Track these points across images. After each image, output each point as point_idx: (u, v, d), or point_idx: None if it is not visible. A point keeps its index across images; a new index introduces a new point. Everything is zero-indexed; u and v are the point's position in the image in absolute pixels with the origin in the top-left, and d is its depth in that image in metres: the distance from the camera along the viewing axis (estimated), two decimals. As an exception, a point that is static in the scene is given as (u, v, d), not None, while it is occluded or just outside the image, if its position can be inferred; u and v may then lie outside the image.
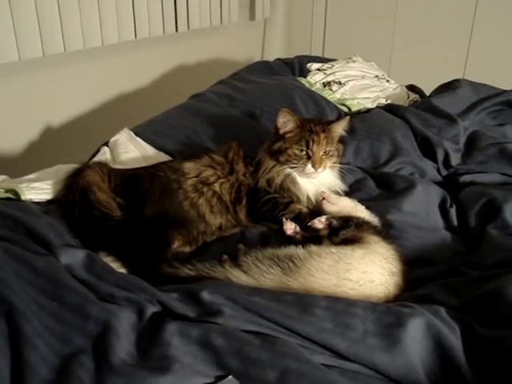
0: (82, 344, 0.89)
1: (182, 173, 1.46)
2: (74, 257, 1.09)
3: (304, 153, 1.47)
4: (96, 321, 0.92)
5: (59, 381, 0.83)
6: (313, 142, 1.46)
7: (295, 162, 1.48)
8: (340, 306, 0.98)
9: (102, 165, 1.50)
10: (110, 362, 0.85)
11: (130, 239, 1.26)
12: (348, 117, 1.57)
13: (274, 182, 1.50)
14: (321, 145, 1.47)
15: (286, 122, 1.49)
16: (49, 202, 1.40)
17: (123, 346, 0.89)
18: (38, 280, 0.99)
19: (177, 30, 2.72)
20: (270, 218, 1.47)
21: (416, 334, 0.93)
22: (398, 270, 1.18)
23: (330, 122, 1.54)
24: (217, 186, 1.47)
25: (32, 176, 1.51)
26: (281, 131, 1.50)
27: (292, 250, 1.16)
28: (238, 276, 1.11)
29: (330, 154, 1.50)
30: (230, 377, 0.85)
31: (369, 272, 1.13)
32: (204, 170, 1.49)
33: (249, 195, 1.50)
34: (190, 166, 1.48)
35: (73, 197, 1.34)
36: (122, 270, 1.18)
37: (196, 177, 1.46)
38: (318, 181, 1.53)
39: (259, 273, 1.11)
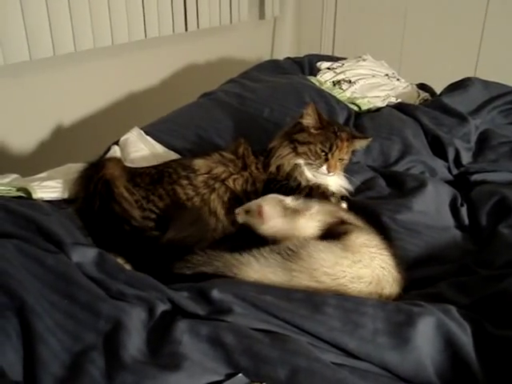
0: (93, 341, 0.90)
1: (192, 169, 1.47)
2: (85, 255, 1.10)
3: (324, 154, 1.48)
4: (107, 318, 0.93)
5: (70, 377, 0.83)
6: (336, 146, 1.48)
7: (313, 158, 1.49)
8: (349, 305, 0.98)
9: (119, 160, 1.51)
10: (120, 359, 0.85)
11: (142, 250, 1.25)
12: (371, 138, 1.62)
13: (283, 168, 1.51)
14: (341, 152, 1.50)
15: (307, 116, 1.51)
16: (62, 200, 1.40)
17: (134, 343, 0.89)
18: (49, 277, 0.99)
19: (186, 30, 2.72)
20: None
21: (426, 333, 0.93)
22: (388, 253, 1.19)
23: (355, 136, 1.57)
24: (230, 182, 1.48)
25: (43, 175, 1.52)
26: (304, 123, 1.52)
27: (286, 243, 1.18)
28: (249, 259, 1.13)
29: (344, 162, 1.54)
30: (240, 375, 0.86)
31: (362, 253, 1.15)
32: (215, 166, 1.49)
33: (265, 189, 1.50)
34: (200, 163, 1.49)
35: (94, 187, 1.34)
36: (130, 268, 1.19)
37: (207, 173, 1.47)
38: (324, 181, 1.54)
39: (264, 259, 1.13)
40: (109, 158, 1.54)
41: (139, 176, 1.44)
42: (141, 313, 0.96)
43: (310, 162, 1.50)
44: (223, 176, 1.48)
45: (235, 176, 1.50)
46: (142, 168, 1.51)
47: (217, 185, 1.46)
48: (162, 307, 0.99)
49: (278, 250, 1.14)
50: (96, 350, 0.88)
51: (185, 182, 1.44)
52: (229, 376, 0.86)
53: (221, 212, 1.44)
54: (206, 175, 1.47)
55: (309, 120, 1.51)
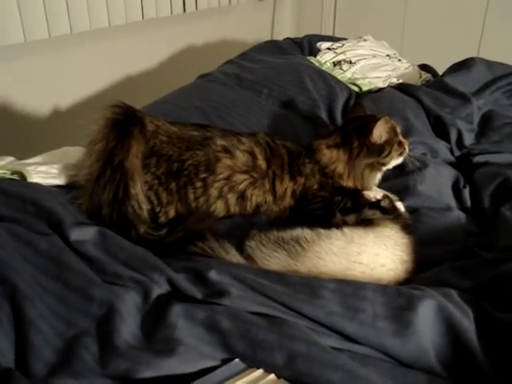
0: (86, 326, 0.88)
1: (212, 171, 1.34)
2: (84, 233, 1.08)
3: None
4: (100, 303, 0.91)
5: (63, 363, 0.81)
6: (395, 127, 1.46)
7: (399, 152, 1.45)
8: (349, 289, 0.96)
9: (144, 136, 1.30)
10: (114, 345, 0.84)
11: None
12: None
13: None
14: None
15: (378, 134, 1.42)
16: (57, 186, 1.37)
17: (128, 328, 0.88)
18: (41, 261, 0.98)
19: (185, 11, 2.68)
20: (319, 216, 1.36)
21: (427, 317, 0.91)
22: (409, 259, 1.15)
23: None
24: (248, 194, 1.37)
25: (38, 158, 1.49)
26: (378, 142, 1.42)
27: (298, 231, 1.13)
28: (240, 263, 1.09)
29: None
30: (237, 360, 0.84)
31: (381, 256, 1.10)
32: (237, 171, 1.36)
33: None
34: (225, 165, 1.34)
35: (112, 173, 1.21)
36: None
37: (226, 179, 1.35)
38: None
39: (263, 257, 1.08)
40: (137, 131, 1.28)
41: (157, 158, 1.31)
42: (135, 297, 0.94)
43: (397, 158, 1.45)
44: (241, 187, 1.35)
45: (257, 189, 1.37)
46: (164, 147, 1.33)
47: (230, 195, 1.34)
48: (157, 291, 0.97)
49: (285, 242, 1.09)
50: (89, 335, 0.86)
51: (199, 184, 1.33)
52: (225, 361, 0.84)
53: (220, 213, 1.35)
54: (223, 181, 1.34)
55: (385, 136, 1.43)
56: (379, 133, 1.40)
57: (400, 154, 1.45)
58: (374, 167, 1.43)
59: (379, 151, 1.41)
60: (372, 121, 1.39)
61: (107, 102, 1.32)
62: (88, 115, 2.19)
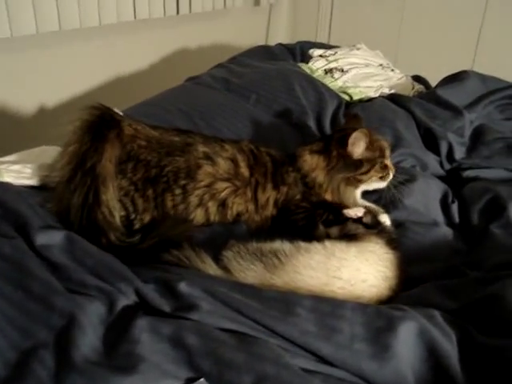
0: (44, 338, 0.82)
1: (193, 178, 1.30)
2: (51, 237, 1.02)
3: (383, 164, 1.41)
4: (61, 313, 0.85)
5: (13, 378, 0.76)
6: (385, 149, 1.42)
7: (381, 175, 1.41)
8: (326, 307, 0.91)
9: (120, 141, 1.25)
10: (71, 359, 0.78)
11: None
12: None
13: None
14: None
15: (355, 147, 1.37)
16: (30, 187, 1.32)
17: (88, 341, 0.82)
18: (2, 266, 0.92)
19: (178, 13, 2.63)
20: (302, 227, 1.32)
21: (407, 340, 0.86)
22: (393, 275, 1.10)
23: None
24: (229, 203, 1.33)
25: (13, 157, 1.43)
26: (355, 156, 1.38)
27: (277, 244, 1.09)
28: (216, 273, 1.05)
29: None
30: (202, 380, 0.78)
31: (362, 271, 1.06)
32: (219, 179, 1.32)
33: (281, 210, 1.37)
34: (206, 172, 1.31)
35: (82, 176, 1.16)
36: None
37: (207, 186, 1.31)
38: None
39: (239, 269, 1.04)
40: (112, 135, 1.24)
41: (134, 163, 1.26)
42: (99, 307, 0.89)
43: (379, 182, 1.41)
44: (222, 195, 1.31)
45: (238, 197, 1.34)
46: (142, 151, 1.28)
47: (210, 203, 1.30)
48: (124, 301, 0.92)
49: (263, 255, 1.05)
50: (47, 348, 0.81)
51: (178, 191, 1.28)
52: (189, 381, 0.79)
53: (199, 221, 1.31)
54: (204, 188, 1.30)
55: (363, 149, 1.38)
56: (356, 145, 1.35)
57: (382, 178, 1.40)
58: (350, 182, 1.38)
59: (356, 166, 1.37)
60: (352, 132, 1.35)
61: (93, 102, 1.29)
62: (73, 115, 2.15)
